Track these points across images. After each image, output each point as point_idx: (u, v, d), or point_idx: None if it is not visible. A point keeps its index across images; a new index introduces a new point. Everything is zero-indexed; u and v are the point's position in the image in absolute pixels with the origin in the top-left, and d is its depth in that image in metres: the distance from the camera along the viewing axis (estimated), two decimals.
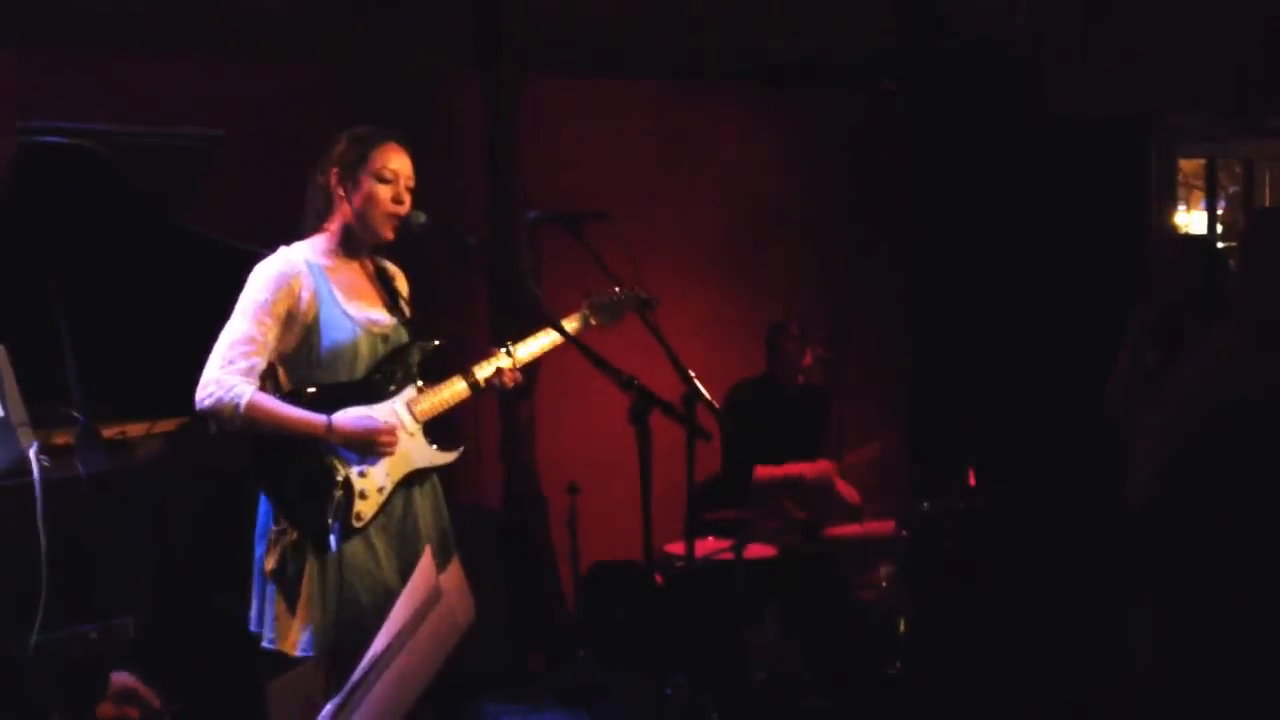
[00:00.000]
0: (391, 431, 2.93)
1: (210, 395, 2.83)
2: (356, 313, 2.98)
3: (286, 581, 2.88)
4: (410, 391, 3.03)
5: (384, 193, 2.97)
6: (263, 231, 3.08)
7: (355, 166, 2.96)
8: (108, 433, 3.48)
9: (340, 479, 2.88)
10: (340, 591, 2.87)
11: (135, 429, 3.58)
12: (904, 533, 4.55)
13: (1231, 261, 3.85)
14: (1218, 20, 5.32)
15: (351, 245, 3.03)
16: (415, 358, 3.05)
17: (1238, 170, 6.31)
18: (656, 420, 2.87)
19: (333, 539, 2.84)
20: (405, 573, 2.92)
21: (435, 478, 3.10)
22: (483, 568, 4.36)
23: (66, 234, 3.36)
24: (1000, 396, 5.54)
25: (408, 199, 3.00)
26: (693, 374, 3.04)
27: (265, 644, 2.93)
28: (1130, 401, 3.54)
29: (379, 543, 2.94)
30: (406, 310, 3.10)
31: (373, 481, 2.92)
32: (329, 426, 2.86)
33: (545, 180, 5.19)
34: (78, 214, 3.35)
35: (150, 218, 3.45)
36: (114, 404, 3.52)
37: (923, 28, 5.79)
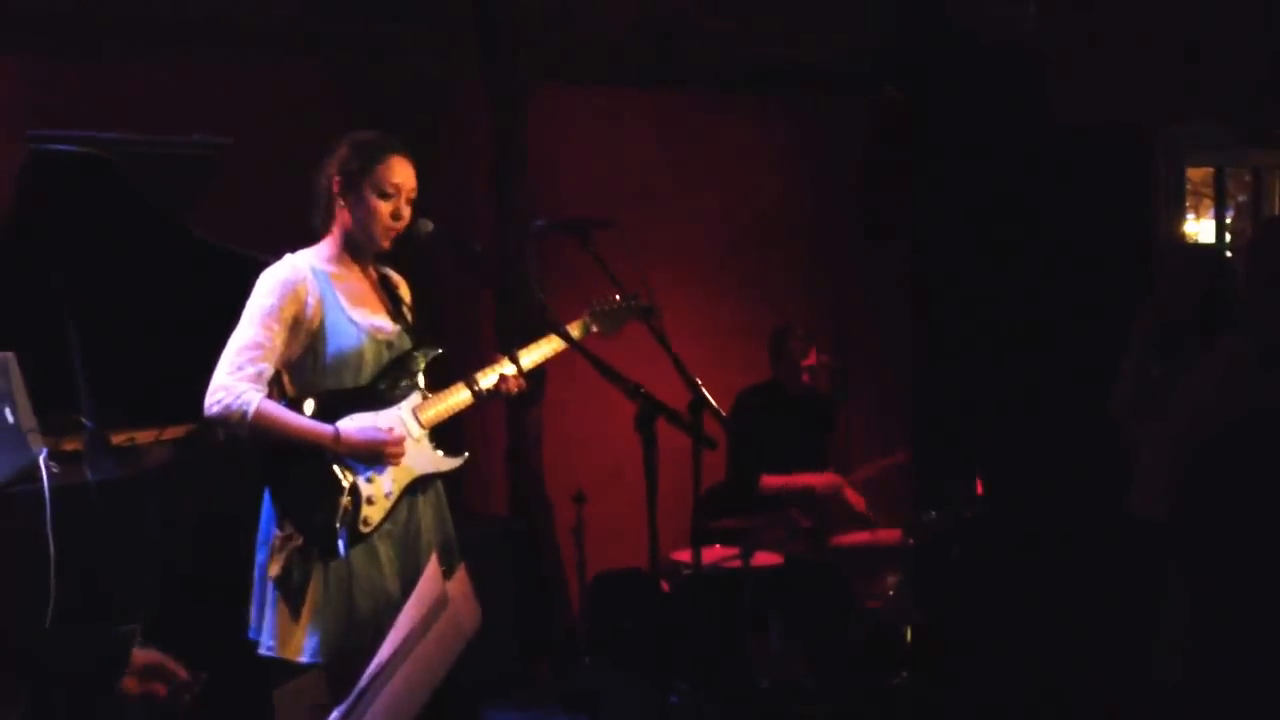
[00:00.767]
0: (399, 442, 2.94)
1: (219, 402, 2.83)
2: (362, 319, 2.99)
3: (291, 588, 2.87)
4: (415, 398, 3.04)
5: (384, 208, 2.97)
6: (270, 238, 3.10)
7: (358, 177, 2.96)
8: (116, 439, 3.49)
9: (348, 485, 2.88)
10: (345, 598, 2.87)
11: (144, 436, 3.59)
12: (910, 541, 4.55)
13: (1239, 270, 3.85)
14: (1226, 29, 5.32)
15: (354, 252, 3.04)
16: (419, 364, 3.06)
17: (1247, 179, 6.30)
18: (662, 428, 2.88)
19: (341, 545, 2.85)
20: (406, 580, 2.93)
21: (439, 485, 3.11)
22: (489, 575, 4.36)
23: (76, 241, 3.37)
24: (1007, 404, 5.53)
25: (407, 213, 3.01)
26: (699, 381, 3.04)
27: (263, 650, 2.91)
28: (1135, 411, 3.54)
29: (383, 549, 2.94)
30: (410, 317, 3.11)
31: (379, 487, 2.93)
32: (336, 437, 2.87)
33: (550, 187, 5.20)
34: (87, 222, 3.37)
35: (158, 225, 3.46)
36: (123, 411, 3.54)
37: (929, 35, 5.79)
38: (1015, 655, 4.50)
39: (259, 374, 2.86)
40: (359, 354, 2.97)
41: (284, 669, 2.89)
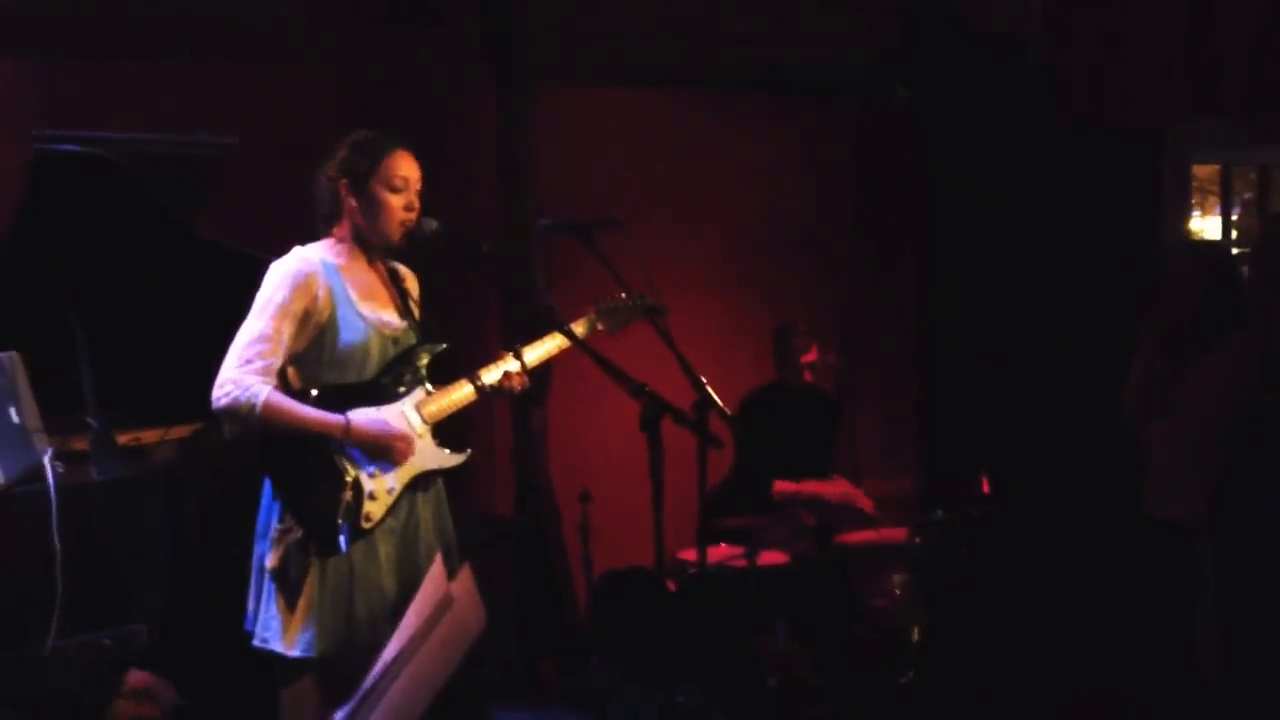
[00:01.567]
0: (407, 439, 2.93)
1: (227, 395, 2.80)
2: (369, 314, 2.98)
3: (289, 581, 2.85)
4: (419, 394, 3.03)
5: (396, 201, 2.97)
6: (275, 239, 3.09)
7: (365, 176, 2.95)
8: (122, 439, 3.49)
9: (350, 479, 2.87)
10: (342, 594, 2.86)
11: (149, 435, 3.59)
12: (917, 540, 4.54)
13: (1244, 268, 3.83)
14: (1231, 27, 5.30)
15: (364, 247, 3.03)
16: (424, 360, 3.05)
17: (1252, 176, 6.28)
18: (668, 427, 2.87)
19: (342, 540, 2.83)
20: (403, 577, 2.92)
21: (440, 484, 3.09)
22: (495, 574, 4.37)
23: (81, 242, 3.37)
24: (1014, 404, 5.52)
25: (419, 205, 3.00)
26: (705, 380, 3.03)
27: (257, 643, 2.89)
28: (1143, 411, 3.53)
29: (383, 547, 2.92)
30: (417, 312, 3.10)
31: (382, 483, 2.92)
32: (347, 428, 2.85)
33: (556, 188, 5.20)
34: (92, 222, 3.37)
35: (164, 226, 3.46)
36: (128, 410, 3.54)
37: (936, 36, 5.79)
38: (1020, 655, 4.49)
39: (267, 368, 2.83)
40: (365, 348, 2.96)
41: (286, 666, 2.88)
